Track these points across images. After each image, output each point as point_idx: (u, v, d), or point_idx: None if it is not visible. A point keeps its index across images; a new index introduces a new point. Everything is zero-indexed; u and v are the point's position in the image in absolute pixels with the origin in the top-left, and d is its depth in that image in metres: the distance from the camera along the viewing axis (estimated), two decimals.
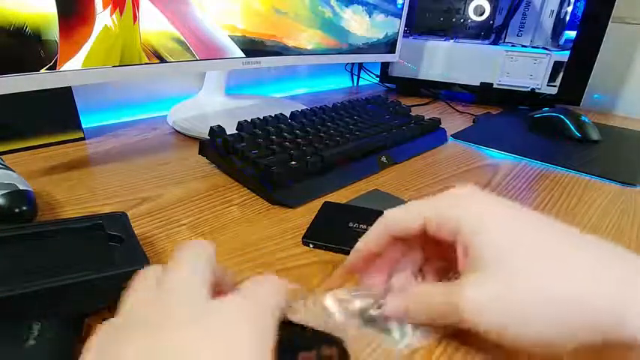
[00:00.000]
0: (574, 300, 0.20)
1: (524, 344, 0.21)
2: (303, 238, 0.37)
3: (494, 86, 0.94)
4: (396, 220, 0.27)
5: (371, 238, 0.28)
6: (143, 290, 0.20)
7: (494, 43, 0.96)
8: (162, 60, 0.51)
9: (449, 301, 0.23)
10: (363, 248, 0.28)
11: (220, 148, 0.49)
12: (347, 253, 0.35)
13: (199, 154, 0.51)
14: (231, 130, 0.52)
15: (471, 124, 0.80)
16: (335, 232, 0.37)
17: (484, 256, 0.23)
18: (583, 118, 0.73)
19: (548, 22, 0.92)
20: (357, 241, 0.36)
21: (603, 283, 0.20)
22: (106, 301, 0.26)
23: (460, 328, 0.24)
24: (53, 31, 0.41)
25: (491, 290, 0.22)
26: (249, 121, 0.55)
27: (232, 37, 0.58)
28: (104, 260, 0.29)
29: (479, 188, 0.27)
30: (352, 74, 1.11)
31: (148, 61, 0.50)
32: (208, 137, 0.51)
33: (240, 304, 0.19)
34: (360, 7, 0.76)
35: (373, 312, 0.27)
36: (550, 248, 0.22)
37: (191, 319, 0.18)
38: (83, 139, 0.57)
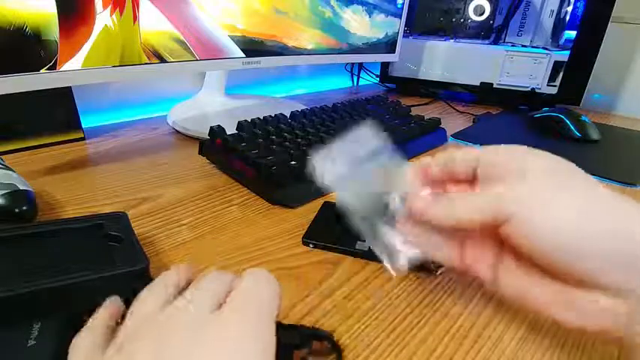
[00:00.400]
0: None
1: (576, 265, 0.21)
2: (303, 238, 0.37)
3: (495, 86, 0.94)
4: (457, 157, 0.27)
5: (436, 161, 0.28)
6: (152, 307, 0.20)
7: (495, 43, 0.96)
8: (162, 60, 0.51)
9: (496, 198, 0.23)
10: (431, 163, 0.28)
11: (220, 148, 0.49)
12: (347, 253, 0.36)
13: (199, 154, 0.51)
14: (231, 130, 0.52)
15: (471, 124, 0.80)
16: (335, 232, 0.37)
17: (534, 171, 0.23)
18: (583, 118, 0.73)
19: (548, 22, 0.92)
20: (356, 241, 0.36)
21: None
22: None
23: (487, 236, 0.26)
24: (53, 31, 0.41)
25: (546, 195, 0.22)
26: (249, 121, 0.55)
27: (232, 37, 0.58)
28: (104, 260, 0.29)
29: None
30: (352, 74, 1.11)
31: (148, 61, 0.50)
32: (208, 137, 0.51)
33: (243, 317, 0.19)
34: (360, 7, 0.76)
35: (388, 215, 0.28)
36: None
37: (195, 336, 0.18)
38: (83, 139, 0.57)
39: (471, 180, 0.27)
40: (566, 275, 0.22)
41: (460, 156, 0.27)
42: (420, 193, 0.27)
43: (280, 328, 0.21)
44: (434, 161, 0.28)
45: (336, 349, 0.26)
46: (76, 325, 0.21)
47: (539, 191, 0.22)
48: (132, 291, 0.22)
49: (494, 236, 0.25)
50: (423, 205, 0.26)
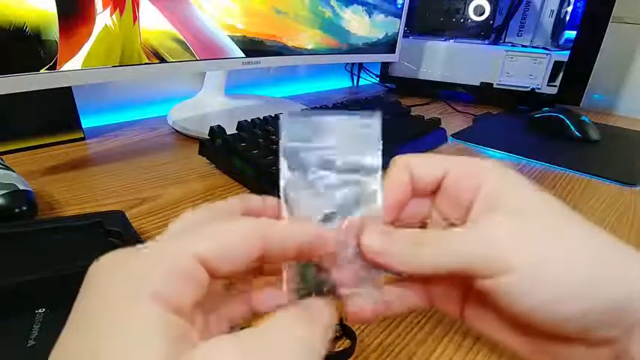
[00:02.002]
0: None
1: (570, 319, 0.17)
2: None
3: (494, 86, 0.94)
4: (420, 166, 0.21)
5: (396, 190, 0.21)
6: None
7: (495, 43, 0.96)
8: (162, 60, 0.51)
9: (476, 239, 0.17)
10: (394, 204, 0.21)
11: (220, 148, 0.49)
12: None
13: (199, 154, 0.51)
14: (231, 130, 0.52)
15: (471, 124, 0.80)
16: None
17: (520, 204, 0.18)
18: (583, 118, 0.73)
19: (548, 22, 0.92)
20: None
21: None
22: None
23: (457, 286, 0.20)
24: (53, 31, 0.41)
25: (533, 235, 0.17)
26: (249, 121, 0.55)
27: (232, 37, 0.58)
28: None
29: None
30: (352, 74, 1.11)
31: (148, 61, 0.50)
32: (208, 137, 0.51)
33: None
34: (360, 7, 0.76)
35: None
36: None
37: None
38: (83, 139, 0.57)
39: (428, 193, 0.21)
40: (552, 332, 0.17)
41: (421, 162, 0.21)
42: (380, 223, 0.19)
43: None
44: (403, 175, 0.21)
45: (350, 335, 0.25)
46: None
47: (542, 238, 0.17)
48: None
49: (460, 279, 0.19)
50: (378, 243, 0.18)
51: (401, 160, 0.21)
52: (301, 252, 0.17)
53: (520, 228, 0.17)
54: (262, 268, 0.19)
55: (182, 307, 0.13)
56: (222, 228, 0.15)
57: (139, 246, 0.15)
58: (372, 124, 0.19)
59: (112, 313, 0.13)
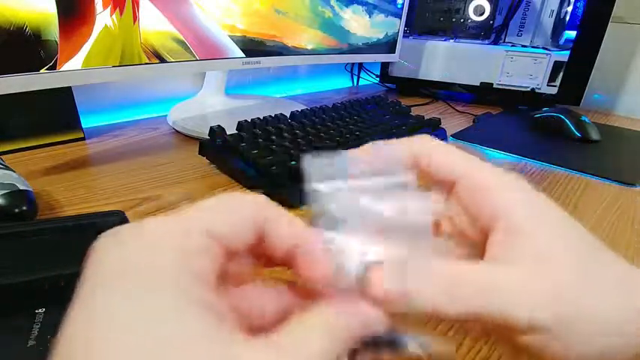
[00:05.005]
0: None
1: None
2: None
3: (494, 86, 0.94)
4: (438, 157, 0.20)
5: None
6: None
7: (495, 43, 0.96)
8: (162, 60, 0.51)
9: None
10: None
11: (220, 148, 0.49)
12: None
13: (199, 154, 0.51)
14: (231, 130, 0.52)
15: (471, 124, 0.80)
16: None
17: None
18: (583, 118, 0.73)
19: (548, 22, 0.92)
20: None
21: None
22: None
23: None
24: (53, 31, 0.41)
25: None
26: (249, 121, 0.55)
27: (232, 37, 0.58)
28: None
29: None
30: (352, 74, 1.11)
31: (148, 61, 0.50)
32: (208, 137, 0.51)
33: None
34: (360, 7, 0.76)
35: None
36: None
37: None
38: (83, 139, 0.57)
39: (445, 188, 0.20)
40: None
41: (440, 156, 0.20)
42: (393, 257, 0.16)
43: None
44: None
45: None
46: None
47: (574, 291, 0.16)
48: None
49: None
50: (390, 282, 0.15)
51: (425, 143, 0.20)
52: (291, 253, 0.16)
53: (547, 280, 0.16)
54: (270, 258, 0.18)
55: (208, 279, 0.13)
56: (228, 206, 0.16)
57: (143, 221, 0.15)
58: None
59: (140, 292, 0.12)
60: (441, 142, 0.20)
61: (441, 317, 0.15)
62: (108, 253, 0.14)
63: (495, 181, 0.18)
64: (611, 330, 0.16)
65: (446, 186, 0.20)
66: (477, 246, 0.19)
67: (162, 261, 0.13)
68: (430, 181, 0.20)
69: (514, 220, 0.17)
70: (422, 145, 0.20)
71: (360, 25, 0.78)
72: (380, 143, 0.20)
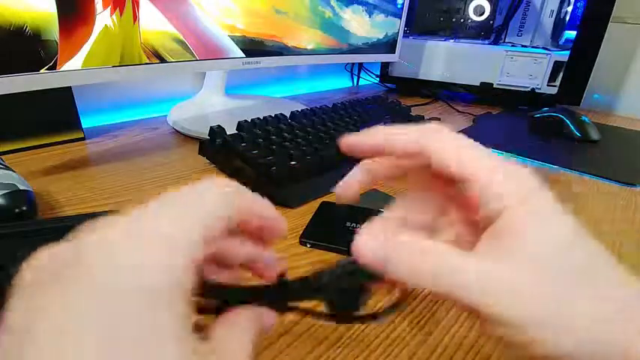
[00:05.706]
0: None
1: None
2: (300, 237, 0.37)
3: (494, 86, 0.94)
4: (438, 152, 0.20)
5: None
6: None
7: (495, 43, 0.96)
8: (162, 60, 0.51)
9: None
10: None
11: (220, 148, 0.49)
12: (344, 252, 0.36)
13: (199, 154, 0.51)
14: (231, 130, 0.52)
15: (471, 124, 0.80)
16: (332, 232, 0.37)
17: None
18: (583, 118, 0.73)
19: (548, 22, 0.92)
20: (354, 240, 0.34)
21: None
22: None
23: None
24: (53, 31, 0.41)
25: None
26: (249, 121, 0.55)
27: (232, 37, 0.58)
28: None
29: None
30: (352, 74, 1.11)
31: (148, 61, 0.50)
32: (208, 137, 0.51)
33: None
34: (360, 7, 0.76)
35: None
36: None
37: None
38: (83, 139, 0.57)
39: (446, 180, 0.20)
40: None
41: (441, 147, 0.20)
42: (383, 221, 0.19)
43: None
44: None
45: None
46: None
47: (557, 298, 0.16)
48: None
49: None
50: (374, 245, 0.17)
51: (432, 136, 0.20)
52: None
53: (536, 283, 0.16)
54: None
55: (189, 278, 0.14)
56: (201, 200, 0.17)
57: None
58: None
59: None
60: (451, 133, 0.20)
61: (420, 287, 0.16)
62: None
63: (507, 187, 0.19)
64: (581, 328, 0.15)
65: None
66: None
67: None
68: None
69: (508, 219, 0.18)
70: (428, 138, 0.20)
71: (360, 25, 0.78)
72: (389, 130, 0.21)
